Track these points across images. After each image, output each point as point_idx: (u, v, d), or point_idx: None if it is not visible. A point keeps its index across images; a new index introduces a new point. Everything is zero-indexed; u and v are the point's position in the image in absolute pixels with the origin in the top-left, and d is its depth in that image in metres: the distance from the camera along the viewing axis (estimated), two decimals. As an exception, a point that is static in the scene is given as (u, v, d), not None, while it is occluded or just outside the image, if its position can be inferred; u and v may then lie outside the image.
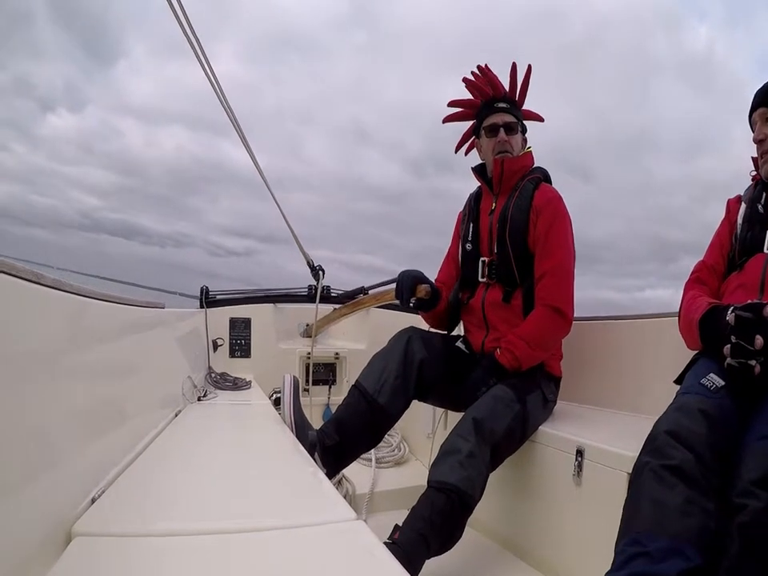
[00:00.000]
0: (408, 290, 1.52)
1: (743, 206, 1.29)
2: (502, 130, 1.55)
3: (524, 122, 1.64)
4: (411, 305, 1.57)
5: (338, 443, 1.36)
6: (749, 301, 1.00)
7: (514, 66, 1.58)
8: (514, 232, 1.49)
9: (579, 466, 1.21)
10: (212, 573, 0.61)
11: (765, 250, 1.19)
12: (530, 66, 1.58)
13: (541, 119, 1.66)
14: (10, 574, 0.54)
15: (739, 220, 1.29)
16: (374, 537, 0.72)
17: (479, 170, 1.67)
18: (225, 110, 1.64)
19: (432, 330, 1.70)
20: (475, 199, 1.67)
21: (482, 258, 1.58)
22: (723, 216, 1.36)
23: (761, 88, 1.25)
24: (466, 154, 1.75)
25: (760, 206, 1.24)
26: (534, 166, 1.62)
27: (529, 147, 1.64)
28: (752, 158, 1.31)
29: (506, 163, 1.55)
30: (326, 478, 0.99)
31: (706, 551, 0.77)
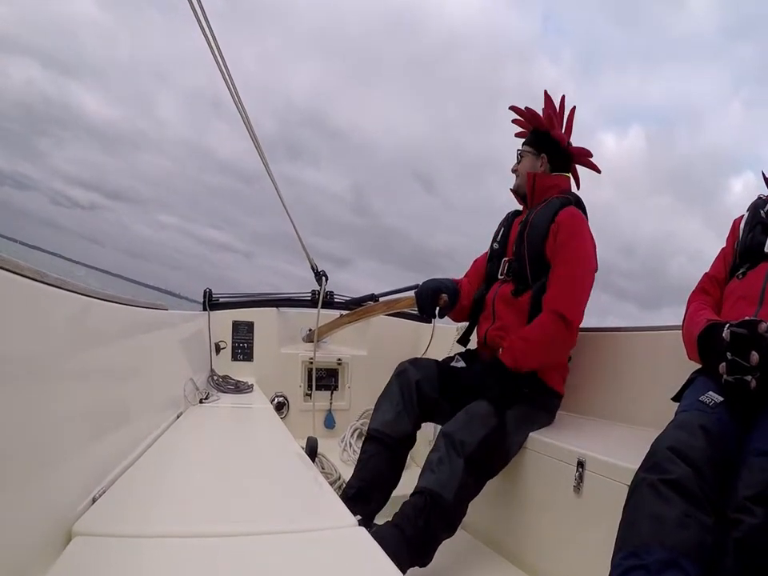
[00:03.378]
0: (430, 305, 1.67)
1: (746, 213, 1.31)
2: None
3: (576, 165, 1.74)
4: (436, 316, 1.76)
5: (358, 489, 1.39)
6: (745, 317, 1.00)
7: (562, 100, 1.70)
8: (532, 234, 1.59)
9: (580, 477, 1.21)
10: (211, 575, 0.61)
11: (766, 249, 1.20)
12: (573, 107, 1.71)
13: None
14: (10, 573, 0.55)
15: (742, 225, 1.30)
16: (375, 543, 0.72)
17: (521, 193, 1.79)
18: (229, 89, 1.64)
19: (422, 357, 1.80)
20: (513, 213, 1.81)
21: (504, 258, 1.70)
22: (728, 234, 1.37)
23: None
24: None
25: (763, 212, 1.25)
26: (570, 191, 1.70)
27: (568, 174, 1.72)
28: (762, 173, 1.31)
29: (537, 178, 1.66)
30: (326, 483, 0.99)
31: (703, 564, 0.77)
